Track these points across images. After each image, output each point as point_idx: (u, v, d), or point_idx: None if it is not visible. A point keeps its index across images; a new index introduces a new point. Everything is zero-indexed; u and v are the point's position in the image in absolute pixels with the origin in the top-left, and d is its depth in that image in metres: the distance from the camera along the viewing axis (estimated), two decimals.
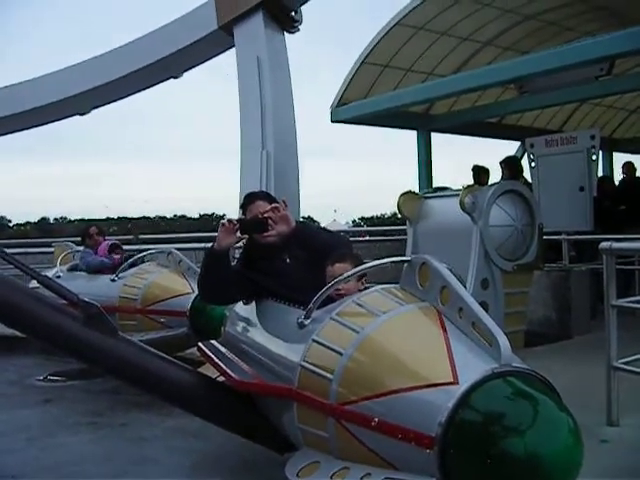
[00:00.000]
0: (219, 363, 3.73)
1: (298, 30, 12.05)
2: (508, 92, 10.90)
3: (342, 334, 2.95)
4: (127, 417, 5.57)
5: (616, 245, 4.65)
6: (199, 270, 6.21)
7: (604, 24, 9.10)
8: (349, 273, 3.33)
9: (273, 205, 3.95)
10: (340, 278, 3.31)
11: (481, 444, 2.27)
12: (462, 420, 2.33)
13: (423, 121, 11.49)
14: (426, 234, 7.76)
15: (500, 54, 10.11)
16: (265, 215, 3.91)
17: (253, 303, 4.09)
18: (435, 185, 10.58)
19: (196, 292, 6.26)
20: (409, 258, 3.25)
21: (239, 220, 3.93)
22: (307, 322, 3.25)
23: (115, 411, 5.77)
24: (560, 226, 8.65)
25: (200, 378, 3.98)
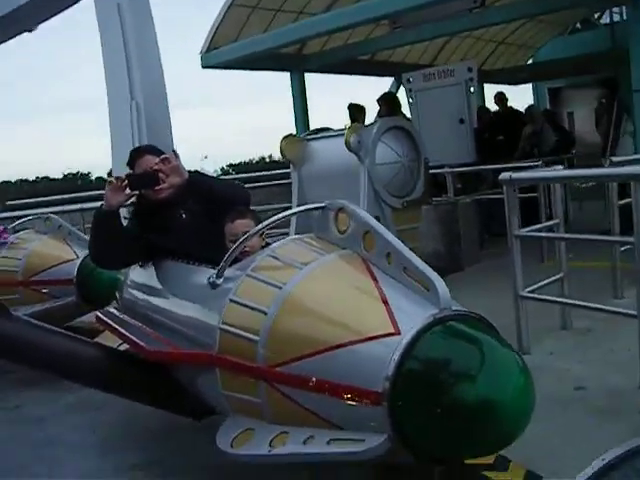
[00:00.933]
0: (125, 333, 3.48)
1: None
2: (380, 28, 10.78)
3: (263, 291, 2.75)
4: (21, 397, 5.20)
5: (516, 175, 4.66)
6: (81, 234, 5.85)
7: None
8: (265, 224, 3.10)
9: (163, 156, 3.70)
10: (256, 229, 3.10)
11: (432, 394, 2.15)
12: (409, 371, 2.20)
13: (295, 62, 11.25)
14: (311, 177, 7.59)
15: None
16: (155, 168, 3.65)
17: (151, 265, 3.83)
18: (312, 127, 10.40)
19: (81, 258, 5.92)
20: (324, 204, 3.06)
21: (127, 176, 3.65)
22: (220, 281, 3.01)
23: (5, 392, 5.37)
24: (443, 159, 8.69)
25: (100, 350, 3.70)
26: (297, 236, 3.14)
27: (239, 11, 9.44)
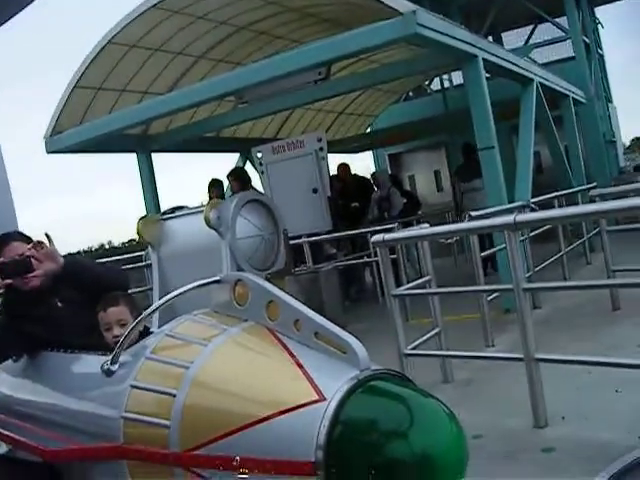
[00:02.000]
0: (11, 435, 3.20)
1: None
2: (224, 105, 10.89)
3: (167, 373, 2.63)
4: None
5: (389, 236, 4.77)
6: None
7: (316, 30, 9.43)
8: (152, 308, 2.99)
9: (37, 240, 3.49)
10: (147, 313, 2.97)
11: (367, 457, 2.11)
12: (341, 437, 2.15)
13: (141, 143, 11.10)
14: (172, 257, 7.39)
15: (215, 66, 10.03)
16: (27, 254, 3.44)
17: (27, 359, 3.58)
18: (163, 207, 10.26)
19: None
20: (218, 278, 3.00)
21: None
22: (115, 368, 2.86)
23: None
24: (301, 229, 8.78)
25: None
26: (192, 313, 3.03)
27: (83, 93, 9.23)
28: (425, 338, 4.98)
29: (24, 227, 10.99)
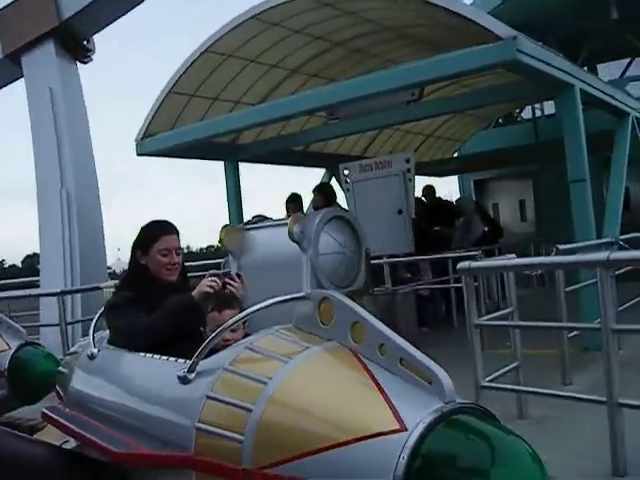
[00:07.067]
0: (83, 433, 3.20)
1: (91, 60, 11.45)
2: (314, 120, 10.90)
3: (245, 387, 2.59)
4: None
5: (475, 264, 4.66)
6: (12, 322, 5.56)
7: (412, 50, 9.37)
8: (238, 317, 2.97)
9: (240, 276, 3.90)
10: (227, 325, 2.94)
11: None
12: (421, 470, 2.06)
13: (230, 151, 11.20)
14: (252, 267, 7.41)
15: (308, 80, 10.06)
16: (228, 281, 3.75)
17: (111, 357, 3.60)
18: (246, 216, 10.32)
19: (12, 349, 5.60)
20: (304, 294, 2.95)
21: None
22: (192, 376, 2.83)
23: None
24: (382, 250, 8.68)
25: (48, 449, 3.41)
26: (275, 328, 2.98)
27: (176, 99, 9.38)
28: (503, 371, 4.82)
29: (107, 226, 11.26)
